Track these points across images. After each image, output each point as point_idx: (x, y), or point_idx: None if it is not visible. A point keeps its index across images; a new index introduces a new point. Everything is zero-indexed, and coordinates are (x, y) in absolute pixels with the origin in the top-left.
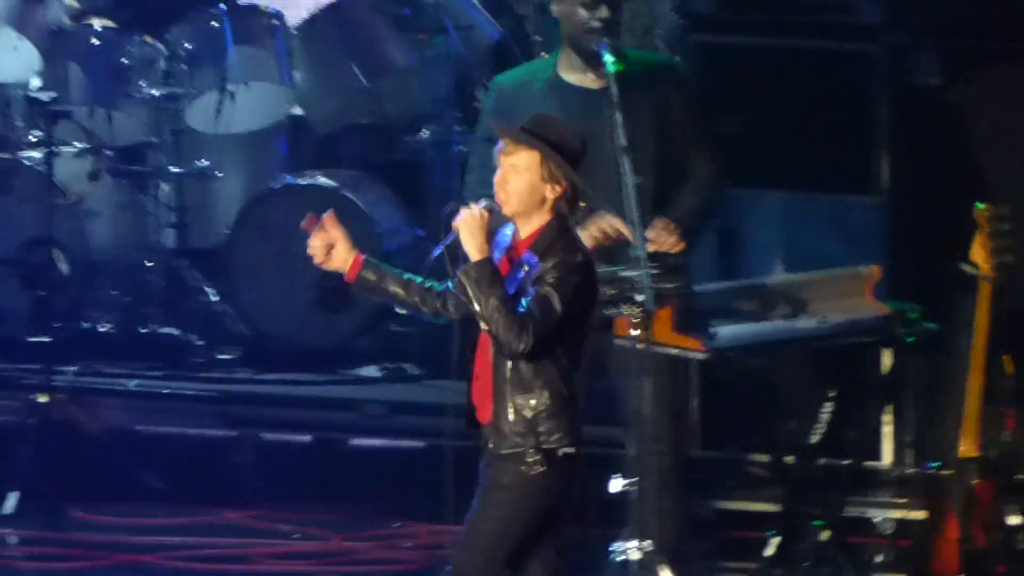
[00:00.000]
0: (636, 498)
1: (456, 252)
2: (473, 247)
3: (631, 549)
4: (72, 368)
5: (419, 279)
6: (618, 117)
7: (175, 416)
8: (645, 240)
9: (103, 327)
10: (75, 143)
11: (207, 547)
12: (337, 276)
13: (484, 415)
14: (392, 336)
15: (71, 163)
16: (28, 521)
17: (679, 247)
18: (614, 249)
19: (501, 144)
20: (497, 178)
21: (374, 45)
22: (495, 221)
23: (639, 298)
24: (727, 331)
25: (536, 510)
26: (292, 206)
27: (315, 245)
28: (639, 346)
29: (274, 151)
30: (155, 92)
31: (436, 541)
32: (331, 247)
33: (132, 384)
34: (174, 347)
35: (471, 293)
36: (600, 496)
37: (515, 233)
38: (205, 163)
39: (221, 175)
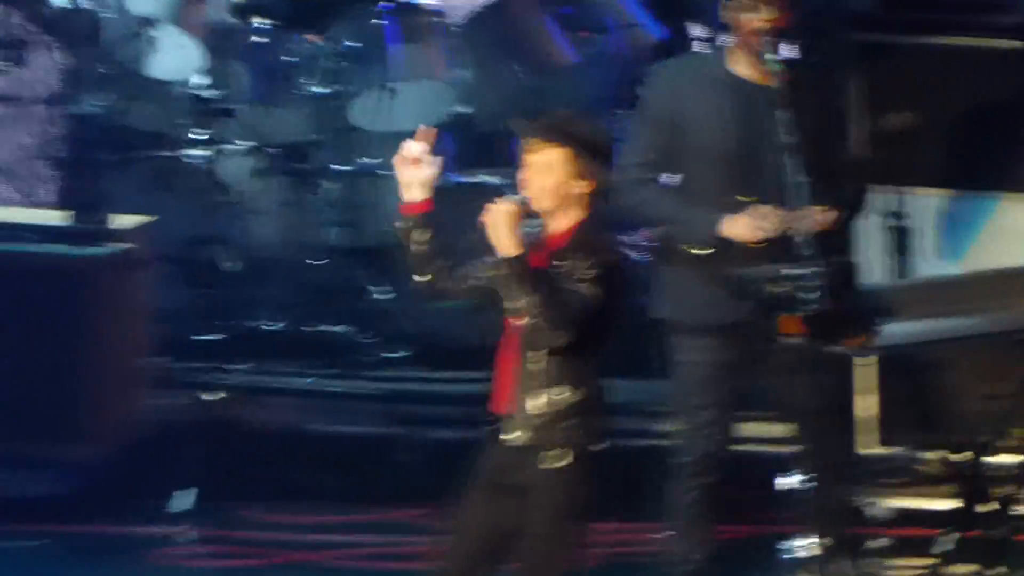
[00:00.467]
0: (805, 496)
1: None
2: (507, 242)
3: (801, 547)
4: (240, 367)
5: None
6: (783, 115)
7: (344, 415)
8: (810, 239)
9: (270, 325)
10: (238, 141)
11: (376, 545)
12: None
13: (502, 406)
14: None
15: (235, 161)
16: (198, 520)
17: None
18: (775, 244)
19: (525, 142)
20: (524, 176)
21: (536, 43)
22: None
23: (805, 296)
24: (900, 328)
25: (570, 511)
26: (457, 205)
27: (410, 148)
28: (805, 344)
29: (438, 149)
30: (318, 90)
31: (606, 540)
32: (418, 164)
33: (307, 381)
34: (342, 345)
35: (509, 286)
36: (770, 494)
37: (543, 229)
38: (370, 160)
39: (385, 173)
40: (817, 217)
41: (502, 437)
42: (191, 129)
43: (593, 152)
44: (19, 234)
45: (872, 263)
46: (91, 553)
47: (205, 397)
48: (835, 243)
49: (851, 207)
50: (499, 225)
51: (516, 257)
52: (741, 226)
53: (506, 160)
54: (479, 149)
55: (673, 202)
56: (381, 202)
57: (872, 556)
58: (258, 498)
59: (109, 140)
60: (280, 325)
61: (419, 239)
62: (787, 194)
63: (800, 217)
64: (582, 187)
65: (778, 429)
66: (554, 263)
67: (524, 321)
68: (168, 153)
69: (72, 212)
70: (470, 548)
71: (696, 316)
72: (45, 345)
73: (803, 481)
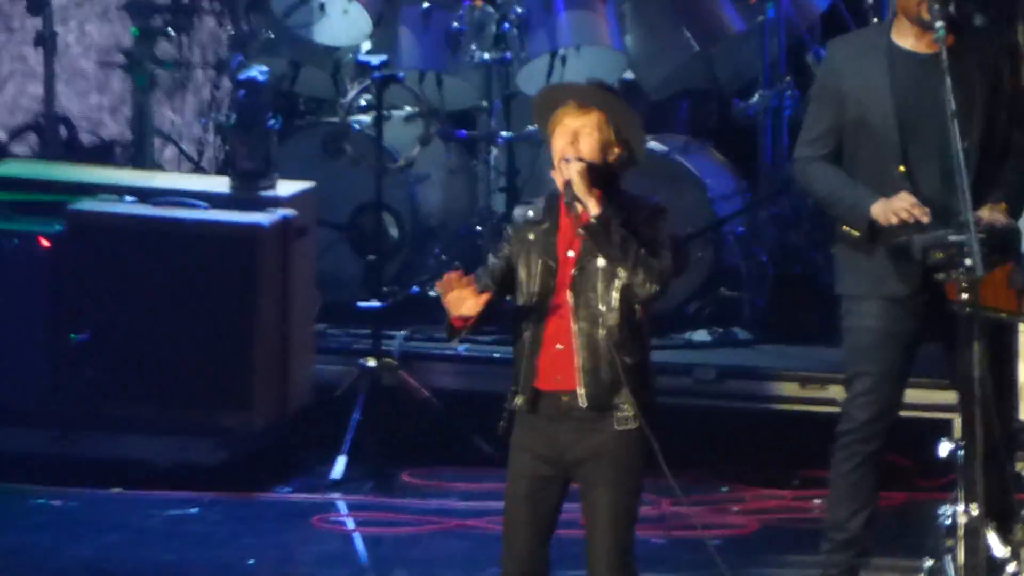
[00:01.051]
0: (964, 462)
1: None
2: (591, 199)
3: (959, 513)
4: (401, 333)
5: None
6: (948, 82)
7: (505, 380)
8: (972, 205)
9: (433, 292)
10: (405, 107)
11: None
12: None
13: (560, 380)
14: (722, 301)
15: (401, 128)
16: (358, 487)
17: (1006, 223)
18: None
19: (568, 104)
20: (568, 138)
21: (705, 10)
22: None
23: (968, 262)
24: None
25: (637, 468)
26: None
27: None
28: (968, 311)
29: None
30: (486, 56)
31: (764, 505)
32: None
33: (462, 348)
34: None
35: (602, 242)
36: (930, 460)
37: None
38: (535, 127)
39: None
40: (991, 217)
41: (568, 408)
42: (358, 95)
43: (624, 117)
44: (184, 200)
45: None
46: (252, 520)
47: (369, 363)
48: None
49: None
50: (581, 182)
51: (602, 213)
52: (880, 211)
53: (673, 127)
54: (648, 116)
55: (835, 180)
56: (544, 169)
57: None
58: (419, 464)
59: (276, 106)
60: None
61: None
62: (954, 162)
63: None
64: (612, 153)
65: (941, 396)
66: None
67: (624, 273)
68: (335, 120)
69: (238, 178)
70: (531, 529)
71: (864, 286)
72: (208, 311)
73: (964, 448)
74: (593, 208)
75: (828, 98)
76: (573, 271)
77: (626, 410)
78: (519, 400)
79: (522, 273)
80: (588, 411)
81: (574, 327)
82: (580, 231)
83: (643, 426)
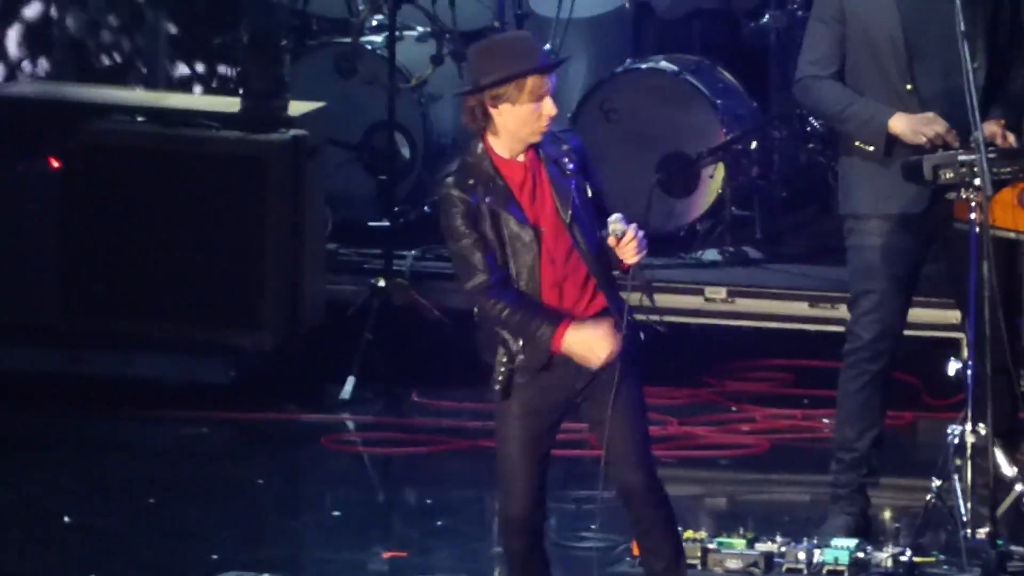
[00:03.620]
0: (973, 382)
1: None
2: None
3: (967, 432)
4: (412, 252)
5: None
6: (958, 3)
7: None
8: (981, 125)
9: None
10: (418, 27)
11: None
12: (680, 159)
13: (586, 308)
14: (734, 220)
15: (413, 47)
16: (368, 407)
17: (1010, 144)
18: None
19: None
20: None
21: None
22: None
23: (976, 182)
24: None
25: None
26: (635, 90)
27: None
28: (977, 230)
29: (618, 36)
30: None
31: (773, 425)
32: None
33: None
34: None
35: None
36: (938, 379)
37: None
38: (548, 47)
39: (565, 58)
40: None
41: None
42: (371, 15)
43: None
44: (196, 120)
45: None
46: (262, 440)
47: (379, 283)
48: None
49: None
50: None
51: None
52: (907, 127)
53: (684, 47)
54: (660, 36)
55: (845, 96)
56: (557, 88)
57: None
58: (429, 384)
59: (289, 26)
60: None
61: None
62: (964, 81)
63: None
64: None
65: (949, 315)
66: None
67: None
68: (348, 40)
69: (250, 98)
70: (534, 483)
71: (871, 205)
72: (219, 231)
73: (972, 367)
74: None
75: (831, 17)
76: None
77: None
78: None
79: (498, 237)
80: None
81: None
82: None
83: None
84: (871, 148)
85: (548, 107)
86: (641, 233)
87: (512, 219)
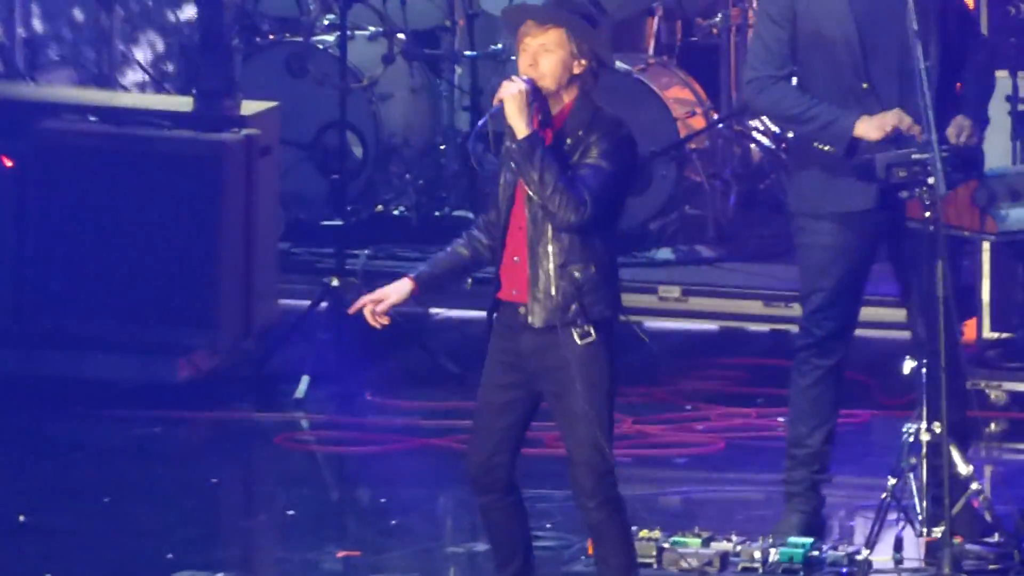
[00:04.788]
0: (927, 381)
1: (486, 134)
2: (520, 121)
3: (921, 431)
4: (365, 251)
5: (458, 244)
6: (910, 2)
7: (469, 299)
8: (934, 125)
9: (397, 210)
10: (369, 27)
11: None
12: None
13: (517, 292)
14: (686, 219)
15: (365, 47)
16: (322, 406)
17: (974, 141)
18: (899, 139)
19: (527, 23)
20: (526, 61)
21: None
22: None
23: (930, 180)
24: (1017, 213)
25: (604, 377)
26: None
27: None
28: (931, 228)
29: None
30: None
31: (729, 424)
32: (379, 302)
33: None
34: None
35: (524, 167)
36: (892, 378)
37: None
38: (499, 46)
39: (515, 58)
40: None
41: (525, 321)
42: (322, 15)
43: (585, 31)
44: (148, 119)
45: (994, 147)
46: (216, 439)
47: (332, 283)
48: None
49: (979, 99)
50: (513, 104)
51: (529, 136)
52: (872, 126)
53: (636, 45)
54: (613, 35)
55: (803, 99)
56: None
57: (989, 440)
58: (383, 383)
59: (240, 25)
60: (404, 210)
61: (447, 278)
62: (914, 81)
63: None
64: (578, 66)
65: (901, 313)
66: (564, 142)
67: (539, 200)
68: (300, 39)
69: (201, 98)
70: (493, 436)
71: (821, 203)
72: (173, 230)
73: (922, 366)
74: (520, 131)
75: (782, 17)
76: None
77: (583, 326)
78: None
79: (499, 186)
80: (535, 323)
81: (527, 241)
82: (503, 153)
83: (600, 341)
84: (827, 148)
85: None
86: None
87: None
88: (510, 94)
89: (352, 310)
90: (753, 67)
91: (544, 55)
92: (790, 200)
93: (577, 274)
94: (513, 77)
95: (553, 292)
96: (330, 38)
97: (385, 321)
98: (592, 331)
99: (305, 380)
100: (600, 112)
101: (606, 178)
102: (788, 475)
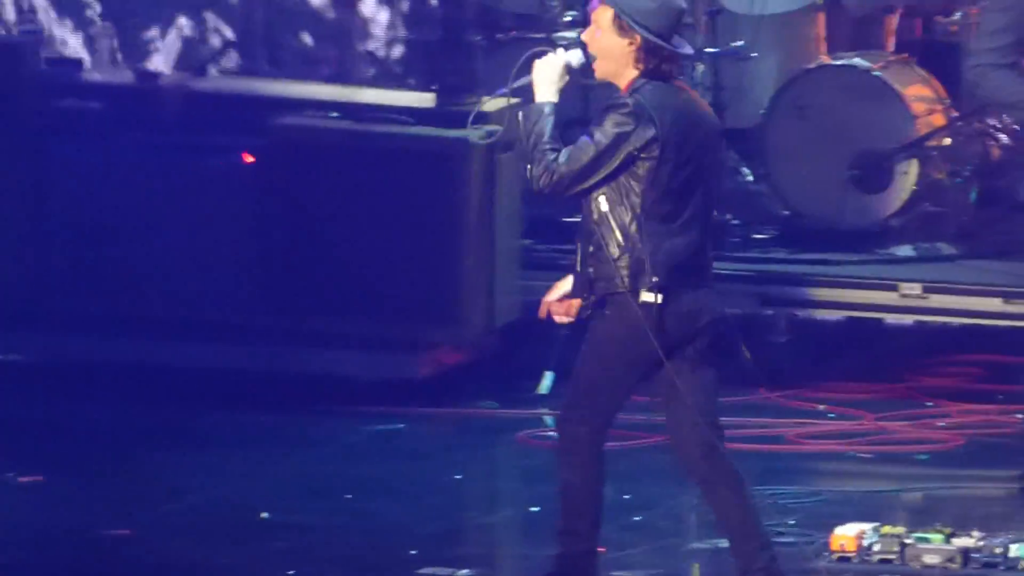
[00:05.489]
0: None
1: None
2: (542, 88)
3: None
4: None
5: None
6: None
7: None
8: None
9: None
10: None
11: (742, 427)
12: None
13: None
14: (927, 216)
15: None
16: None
17: None
18: None
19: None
20: (587, 34)
21: None
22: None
23: None
24: None
25: (621, 355)
26: (828, 87)
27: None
28: None
29: (810, 32)
30: None
31: (970, 420)
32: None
33: None
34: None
35: (524, 127)
36: None
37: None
38: (740, 43)
39: (756, 55)
40: None
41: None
42: (564, 11)
43: (633, 10)
44: (390, 116)
45: None
46: (458, 435)
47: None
48: None
49: None
50: (542, 72)
51: (540, 103)
52: None
53: (875, 43)
54: (852, 32)
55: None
56: (749, 85)
57: None
58: None
59: (481, 22)
60: None
61: None
62: None
63: None
64: (624, 46)
65: None
66: None
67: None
68: (540, 35)
69: (443, 93)
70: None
71: None
72: (415, 227)
73: None
74: (537, 96)
75: (1014, 9)
76: None
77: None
78: None
79: None
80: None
81: None
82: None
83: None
84: None
85: None
86: None
87: None
88: (543, 61)
89: (541, 314)
90: (975, 53)
91: (596, 33)
92: None
93: (603, 251)
94: (559, 51)
95: (588, 266)
96: (571, 35)
97: (567, 319)
98: (613, 301)
99: (548, 376)
100: (641, 88)
101: (581, 152)
102: None
